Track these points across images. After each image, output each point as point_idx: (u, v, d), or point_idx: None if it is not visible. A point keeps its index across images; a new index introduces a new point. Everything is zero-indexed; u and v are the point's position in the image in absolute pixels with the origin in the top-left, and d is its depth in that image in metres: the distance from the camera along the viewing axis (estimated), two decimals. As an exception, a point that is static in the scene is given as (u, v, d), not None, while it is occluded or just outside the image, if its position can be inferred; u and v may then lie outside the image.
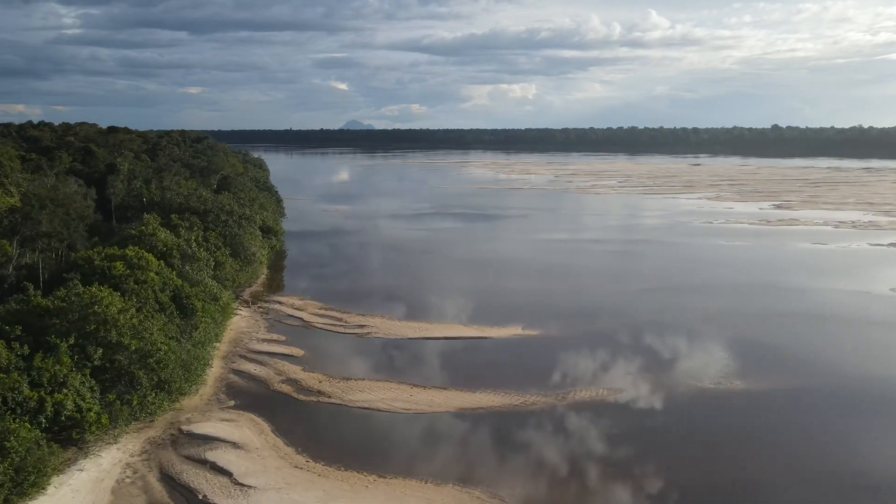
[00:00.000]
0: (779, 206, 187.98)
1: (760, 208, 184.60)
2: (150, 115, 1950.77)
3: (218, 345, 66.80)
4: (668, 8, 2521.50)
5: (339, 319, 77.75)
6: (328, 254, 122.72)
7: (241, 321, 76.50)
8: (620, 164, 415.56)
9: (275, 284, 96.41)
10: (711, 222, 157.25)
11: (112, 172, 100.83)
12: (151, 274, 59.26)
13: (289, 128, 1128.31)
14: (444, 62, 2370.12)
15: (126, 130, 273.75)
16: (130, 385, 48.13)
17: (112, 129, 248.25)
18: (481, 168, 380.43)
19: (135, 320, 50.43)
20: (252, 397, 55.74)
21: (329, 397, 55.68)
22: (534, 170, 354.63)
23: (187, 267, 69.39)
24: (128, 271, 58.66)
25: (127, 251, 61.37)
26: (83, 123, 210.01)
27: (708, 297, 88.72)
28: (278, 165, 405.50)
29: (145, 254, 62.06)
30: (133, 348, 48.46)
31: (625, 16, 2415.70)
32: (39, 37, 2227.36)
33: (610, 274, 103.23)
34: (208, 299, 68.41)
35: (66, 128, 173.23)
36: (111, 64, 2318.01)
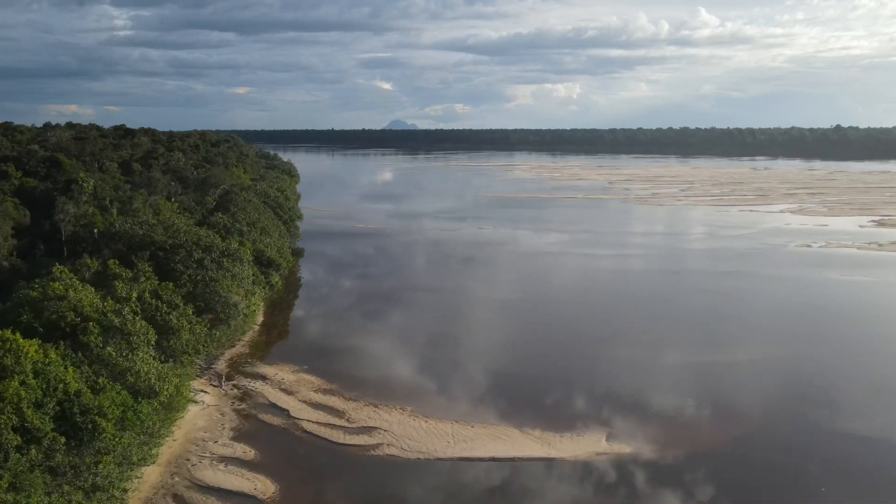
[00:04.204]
0: (881, 223, 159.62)
1: (860, 226, 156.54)
2: (199, 116, 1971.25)
3: (146, 471, 43.76)
4: (718, 6, 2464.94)
5: (341, 414, 54.09)
6: (344, 290, 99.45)
7: (200, 415, 53.37)
8: (677, 167, 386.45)
9: (267, 342, 73.35)
10: (810, 245, 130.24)
11: (66, 192, 78.71)
12: (15, 384, 36.21)
13: (331, 128, 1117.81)
14: (489, 62, 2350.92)
15: (147, 132, 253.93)
16: None
17: (128, 132, 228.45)
18: (528, 172, 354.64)
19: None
20: None
21: None
22: (584, 175, 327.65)
23: (109, 348, 46.37)
24: (-23, 378, 35.78)
25: (-13, 339, 38.51)
26: (57, 126, 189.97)
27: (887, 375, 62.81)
28: (315, 167, 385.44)
29: (18, 340, 39.17)
30: None
31: (673, 14, 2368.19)
32: (92, 38, 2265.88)
33: (714, 329, 77.28)
34: (140, 397, 45.43)
35: (39, 132, 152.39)
36: (161, 65, 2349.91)
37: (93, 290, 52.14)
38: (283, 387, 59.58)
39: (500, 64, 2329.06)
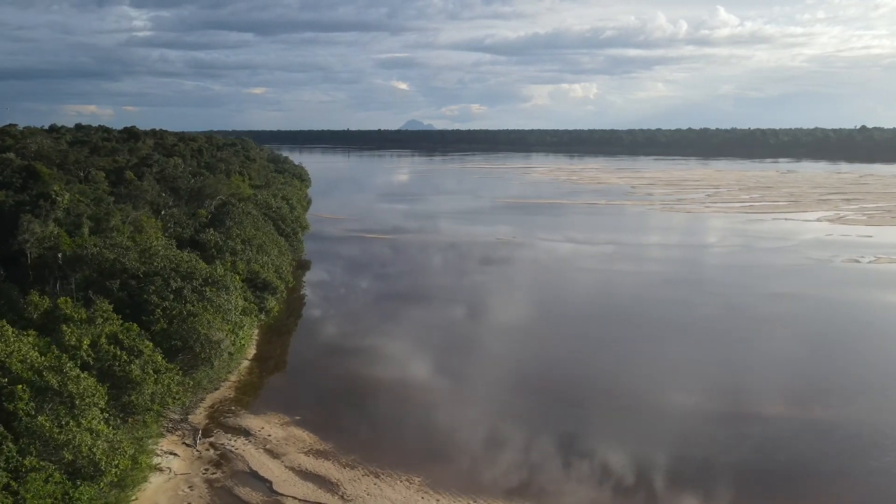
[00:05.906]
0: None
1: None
2: (216, 116, 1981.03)
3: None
4: (737, 5, 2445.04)
5: (335, 487, 44.51)
6: (350, 310, 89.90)
7: (164, 490, 43.85)
8: (699, 170, 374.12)
9: (258, 382, 63.86)
10: (858, 260, 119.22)
11: (34, 209, 69.47)
12: None
13: (347, 128, 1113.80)
14: (506, 62, 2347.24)
15: (155, 133, 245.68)
16: None
17: (132, 135, 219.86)
18: (546, 175, 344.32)
19: None
20: None
21: None
22: (604, 178, 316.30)
23: (41, 417, 37.01)
24: None
25: None
26: (35, 132, 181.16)
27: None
28: (329, 170, 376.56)
29: None
30: None
31: (692, 13, 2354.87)
32: (112, 39, 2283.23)
33: (777, 372, 65.52)
34: (80, 479, 36.16)
35: (20, 138, 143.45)
36: (180, 65, 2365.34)
37: (34, 337, 42.84)
38: (268, 446, 50.10)
39: (517, 64, 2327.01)
